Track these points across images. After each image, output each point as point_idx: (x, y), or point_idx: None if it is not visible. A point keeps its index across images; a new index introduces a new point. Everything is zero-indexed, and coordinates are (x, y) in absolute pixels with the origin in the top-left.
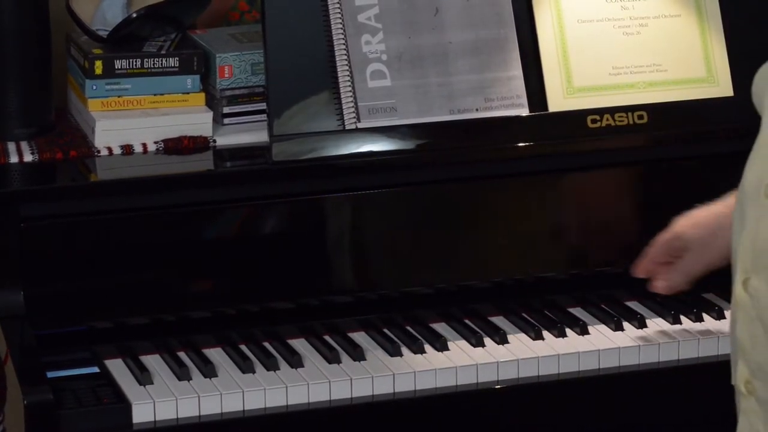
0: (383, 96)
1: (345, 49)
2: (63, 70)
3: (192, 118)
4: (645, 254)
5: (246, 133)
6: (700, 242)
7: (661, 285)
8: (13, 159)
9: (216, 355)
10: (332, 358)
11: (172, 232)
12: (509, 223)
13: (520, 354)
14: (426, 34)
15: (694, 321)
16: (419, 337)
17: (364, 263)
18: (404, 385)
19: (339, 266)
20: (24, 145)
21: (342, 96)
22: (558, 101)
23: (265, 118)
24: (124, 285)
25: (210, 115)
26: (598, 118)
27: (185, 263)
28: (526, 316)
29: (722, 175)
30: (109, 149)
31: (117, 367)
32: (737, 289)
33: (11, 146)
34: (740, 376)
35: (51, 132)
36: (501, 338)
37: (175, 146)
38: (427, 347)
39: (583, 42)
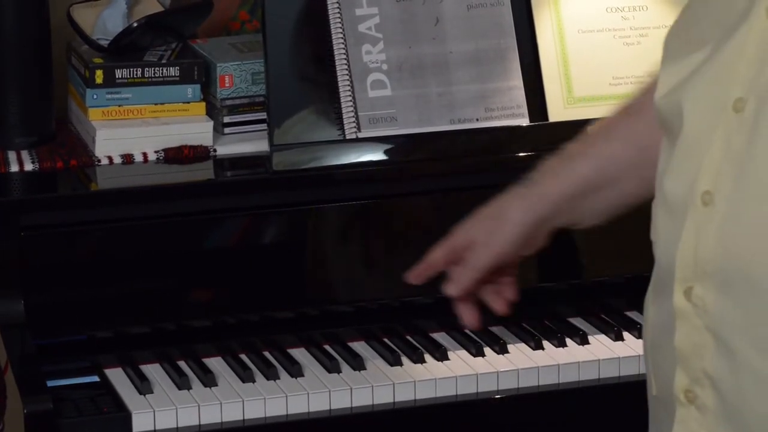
0: (384, 105)
1: (345, 59)
2: (64, 79)
3: (192, 128)
4: (424, 261)
5: (246, 143)
6: (486, 231)
7: (451, 287)
8: (14, 168)
9: (216, 364)
10: (332, 367)
11: (173, 241)
12: None
13: (520, 364)
14: (426, 43)
15: None
16: (419, 346)
17: (364, 273)
18: (404, 395)
19: (339, 275)
20: (24, 154)
21: (342, 105)
22: (558, 111)
23: (266, 128)
24: (124, 294)
25: (210, 124)
26: None
27: (185, 272)
28: (526, 325)
29: None
30: (110, 158)
31: (117, 377)
32: (677, 299)
33: (11, 155)
34: (679, 385)
35: (51, 141)
36: (501, 348)
37: (175, 155)
38: (428, 357)
39: (584, 52)
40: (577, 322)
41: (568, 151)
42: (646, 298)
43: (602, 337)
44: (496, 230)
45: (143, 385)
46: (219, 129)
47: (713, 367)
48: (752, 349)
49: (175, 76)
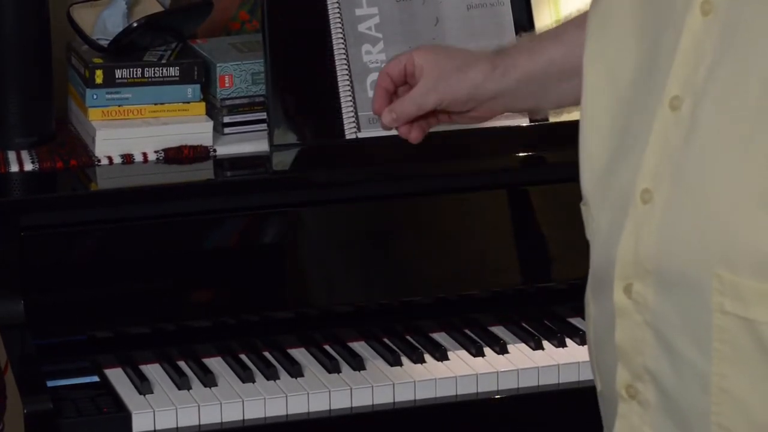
0: None
1: (345, 59)
2: (64, 79)
3: (192, 128)
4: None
5: (246, 143)
6: (442, 77)
7: (387, 118)
8: (14, 168)
9: (216, 364)
10: (332, 367)
11: (173, 241)
12: (510, 233)
13: (520, 364)
14: (426, 44)
15: None
16: (419, 346)
17: (364, 273)
18: (404, 395)
19: (339, 276)
20: (24, 154)
21: (342, 105)
22: (558, 111)
23: (266, 128)
24: (124, 294)
25: (210, 124)
26: None
27: (185, 272)
28: (526, 325)
29: None
30: (110, 158)
31: (117, 377)
32: (617, 295)
33: (11, 155)
34: (620, 381)
35: (51, 141)
36: (501, 348)
37: (175, 155)
38: (427, 357)
39: None
40: (577, 322)
41: (540, 35)
42: (586, 296)
43: None
44: (452, 82)
45: (143, 385)
46: (219, 129)
47: (654, 362)
48: (691, 345)
49: (175, 76)
